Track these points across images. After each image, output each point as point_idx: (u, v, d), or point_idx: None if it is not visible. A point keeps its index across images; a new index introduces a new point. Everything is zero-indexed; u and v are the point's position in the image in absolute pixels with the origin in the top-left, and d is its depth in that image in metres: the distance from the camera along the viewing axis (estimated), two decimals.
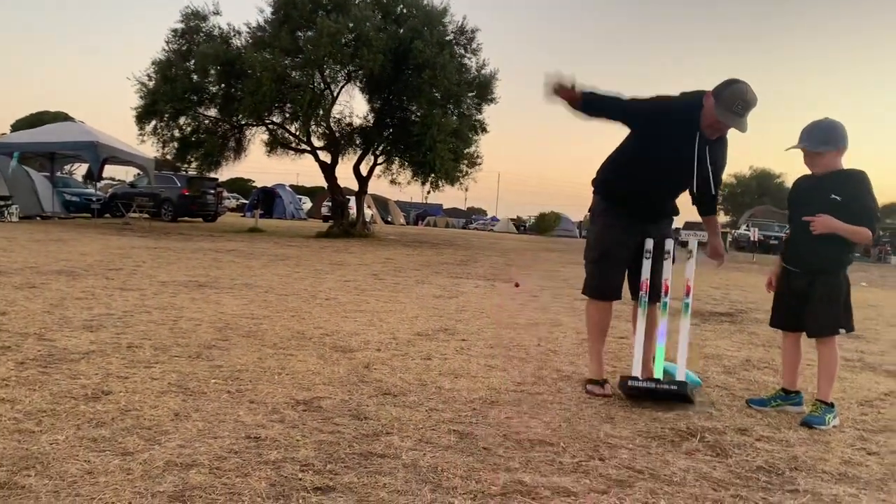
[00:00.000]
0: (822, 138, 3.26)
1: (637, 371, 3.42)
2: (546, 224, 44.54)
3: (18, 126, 38.76)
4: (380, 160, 20.02)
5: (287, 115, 18.98)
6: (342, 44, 16.37)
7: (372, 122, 19.55)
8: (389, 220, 40.50)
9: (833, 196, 3.19)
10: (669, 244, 3.58)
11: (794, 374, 3.47)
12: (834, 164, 3.26)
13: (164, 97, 17.45)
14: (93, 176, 20.97)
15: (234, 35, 18.58)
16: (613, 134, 3.67)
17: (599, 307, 3.67)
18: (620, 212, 3.59)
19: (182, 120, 18.67)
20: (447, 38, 18.10)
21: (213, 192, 24.12)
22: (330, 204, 23.36)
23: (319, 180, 26.11)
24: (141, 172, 22.78)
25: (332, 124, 19.25)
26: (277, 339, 4.37)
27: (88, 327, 4.33)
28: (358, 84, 18.99)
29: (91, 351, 3.71)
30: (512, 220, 51.46)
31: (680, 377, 3.35)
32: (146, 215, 20.60)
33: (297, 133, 19.65)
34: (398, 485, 2.19)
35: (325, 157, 19.82)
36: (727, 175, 33.94)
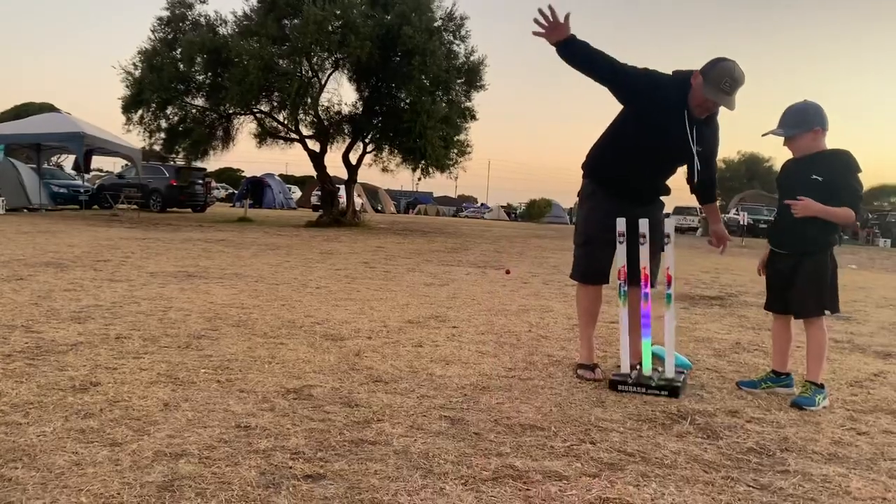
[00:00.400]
0: (794, 121, 3.26)
1: (625, 366, 3.41)
2: (537, 211, 44.60)
3: (3, 118, 38.25)
4: (369, 148, 19.95)
5: (275, 104, 18.88)
6: (329, 31, 16.26)
7: (361, 109, 19.45)
8: (380, 208, 40.41)
9: (814, 177, 3.19)
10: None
11: (784, 355, 3.48)
12: (813, 146, 3.25)
13: (150, 86, 17.30)
14: (80, 167, 20.79)
15: (221, 24, 18.44)
16: (604, 119, 3.66)
17: (588, 292, 3.67)
18: (608, 195, 3.56)
19: (169, 109, 18.51)
20: (436, 24, 18.00)
21: (201, 182, 23.98)
22: (319, 193, 23.27)
23: (309, 169, 26.06)
24: (129, 163, 22.62)
25: (320, 112, 19.14)
26: (267, 328, 4.35)
27: (76, 319, 4.30)
28: (346, 71, 18.88)
29: (79, 342, 3.68)
30: (503, 207, 51.46)
31: (668, 371, 3.34)
32: (134, 206, 20.47)
33: (286, 122, 19.53)
34: (389, 471, 2.18)
35: (314, 145, 19.74)
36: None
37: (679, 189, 3.76)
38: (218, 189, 37.68)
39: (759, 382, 3.46)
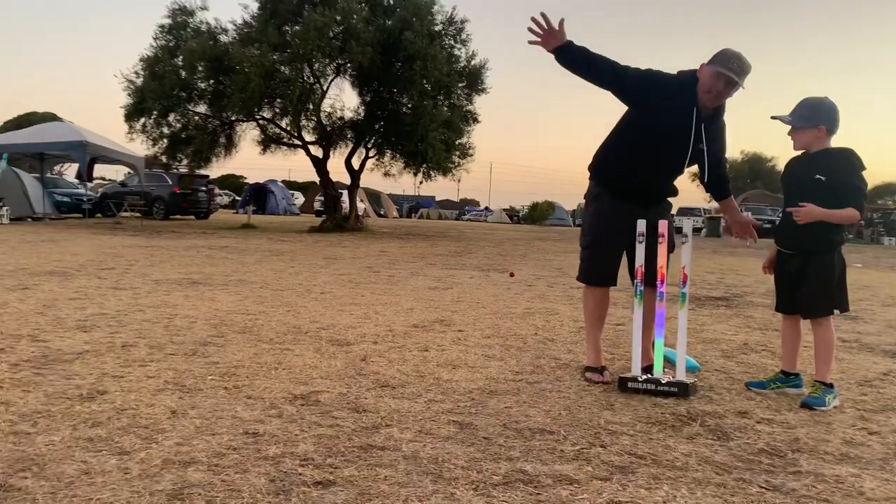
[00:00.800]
0: (804, 114, 3.25)
1: (637, 369, 3.39)
2: (539, 213, 44.62)
3: (6, 127, 38.44)
4: (371, 153, 19.97)
5: (277, 111, 18.90)
6: (330, 37, 16.31)
7: (363, 114, 19.48)
8: (382, 213, 40.44)
9: (817, 176, 3.18)
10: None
11: (793, 355, 3.46)
12: (814, 143, 3.24)
13: (152, 94, 17.34)
14: (83, 176, 20.84)
15: (221, 32, 18.47)
16: (609, 120, 3.64)
17: (595, 294, 3.65)
18: (614, 196, 3.54)
19: (171, 117, 18.55)
20: (436, 28, 18.02)
21: (204, 189, 24.02)
22: (322, 198, 23.29)
23: (311, 175, 26.05)
24: (131, 171, 22.66)
25: (322, 118, 19.17)
26: (273, 334, 4.35)
27: (82, 327, 4.29)
28: (347, 77, 18.93)
29: (85, 351, 3.68)
30: (505, 210, 51.47)
31: (679, 370, 3.32)
32: (138, 214, 20.50)
33: (288, 128, 19.56)
34: (399, 477, 2.17)
35: (317, 151, 19.78)
36: None
37: (682, 190, 3.75)
38: (221, 196, 37.75)
39: (769, 383, 3.44)
